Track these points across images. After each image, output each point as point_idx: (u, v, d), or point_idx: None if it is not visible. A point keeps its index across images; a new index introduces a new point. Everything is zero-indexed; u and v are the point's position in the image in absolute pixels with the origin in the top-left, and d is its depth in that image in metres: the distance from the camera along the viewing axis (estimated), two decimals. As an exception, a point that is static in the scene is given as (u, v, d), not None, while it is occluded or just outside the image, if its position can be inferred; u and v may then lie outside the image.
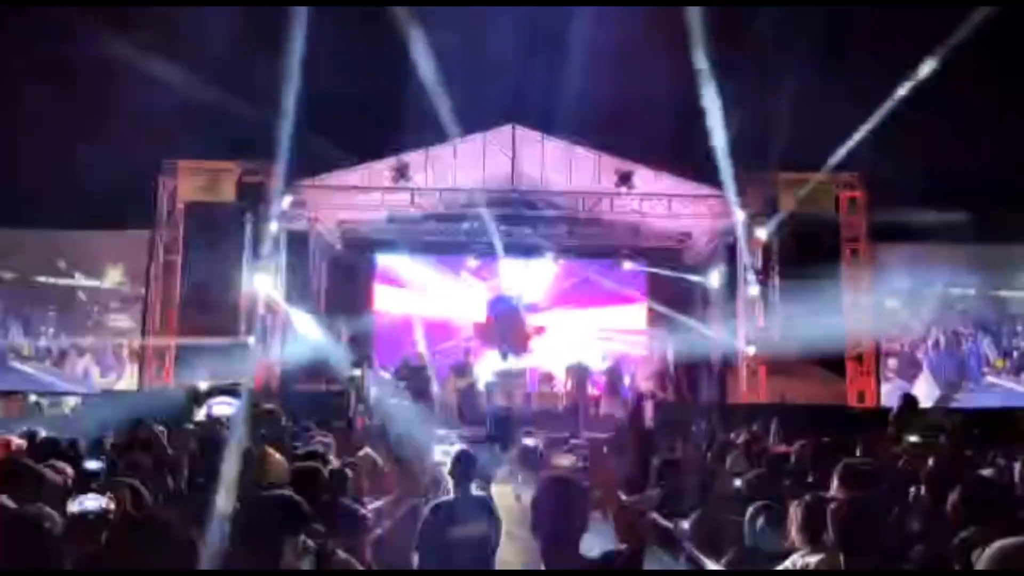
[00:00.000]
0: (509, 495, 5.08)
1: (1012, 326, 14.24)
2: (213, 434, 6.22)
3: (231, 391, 10.42)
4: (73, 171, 13.16)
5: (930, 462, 4.72)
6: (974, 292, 14.13)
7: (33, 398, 14.01)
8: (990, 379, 14.06)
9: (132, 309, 14.07)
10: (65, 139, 13.65)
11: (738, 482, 5.24)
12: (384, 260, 17.64)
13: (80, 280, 14.07)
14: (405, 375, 15.24)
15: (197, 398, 10.03)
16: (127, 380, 13.72)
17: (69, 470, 4.44)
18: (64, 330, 13.99)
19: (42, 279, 14.07)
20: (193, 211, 14.03)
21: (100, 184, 12.85)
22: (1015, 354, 14.20)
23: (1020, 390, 14.02)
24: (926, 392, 13.46)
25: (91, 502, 3.30)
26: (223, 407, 9.03)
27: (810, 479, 5.00)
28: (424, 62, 11.72)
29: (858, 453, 6.01)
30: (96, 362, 13.93)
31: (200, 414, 9.24)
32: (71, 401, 13.65)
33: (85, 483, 4.10)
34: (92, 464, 4.98)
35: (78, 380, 13.86)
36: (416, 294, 17.74)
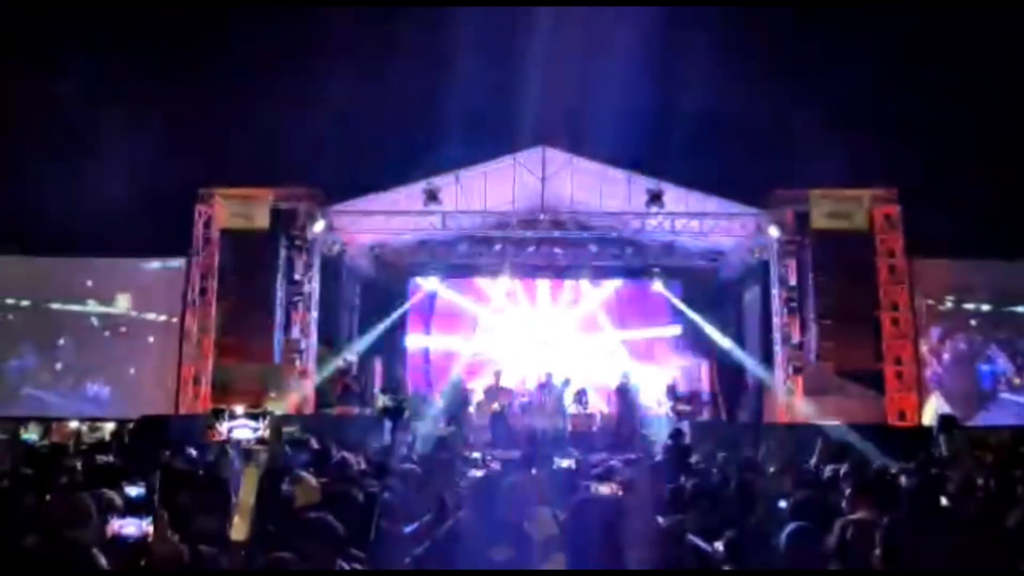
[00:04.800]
0: (547, 517, 5.01)
1: None
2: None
3: (255, 415, 10.48)
4: (105, 198, 13.39)
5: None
6: (989, 308, 13.91)
7: (74, 424, 14.20)
8: (1006, 396, 13.74)
9: (159, 335, 14.27)
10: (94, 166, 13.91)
11: (782, 503, 5.14)
12: (417, 283, 17.70)
13: (97, 307, 14.31)
14: (440, 398, 15.30)
15: (218, 419, 10.07)
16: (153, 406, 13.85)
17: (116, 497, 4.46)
18: (79, 356, 14.21)
19: (57, 306, 14.32)
20: (228, 238, 14.18)
21: (135, 212, 13.06)
22: None
23: None
24: (935, 412, 13.23)
25: (130, 527, 3.32)
26: (244, 431, 9.07)
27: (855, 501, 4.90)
28: (454, 85, 11.82)
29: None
30: (109, 386, 14.13)
31: (219, 436, 9.28)
32: (109, 426, 13.79)
33: (127, 508, 4.12)
34: (133, 490, 4.98)
35: (93, 404, 14.05)
36: (450, 318, 17.78)
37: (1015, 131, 13.55)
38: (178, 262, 14.23)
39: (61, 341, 14.23)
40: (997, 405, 13.74)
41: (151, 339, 14.30)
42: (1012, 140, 13.60)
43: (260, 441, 5.33)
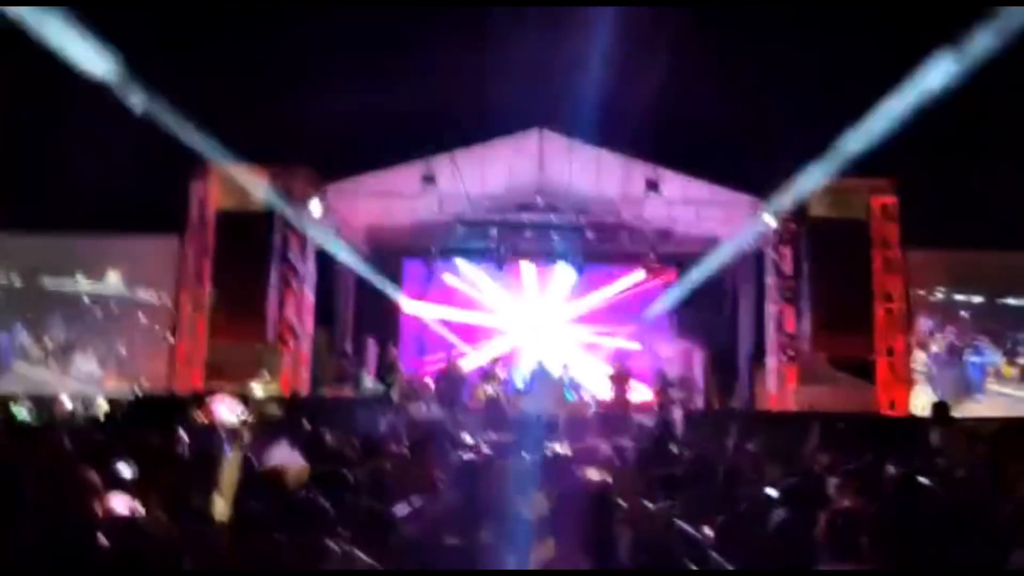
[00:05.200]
0: (540, 502, 5.03)
1: (1020, 333, 14.03)
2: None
3: (240, 397, 10.49)
4: (98, 174, 13.32)
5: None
6: (982, 299, 13.98)
7: (67, 401, 14.21)
8: (995, 388, 13.83)
9: (151, 313, 14.29)
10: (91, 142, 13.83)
11: (772, 491, 5.16)
12: (412, 266, 17.68)
13: (93, 285, 14.33)
14: (436, 381, 15.32)
15: (203, 401, 10.06)
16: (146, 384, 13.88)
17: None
18: (71, 333, 14.31)
19: (49, 282, 14.34)
20: (223, 216, 14.14)
21: (127, 189, 12.99)
22: (1022, 361, 13.98)
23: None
24: (923, 403, 13.28)
25: (120, 505, 3.33)
26: (229, 412, 9.08)
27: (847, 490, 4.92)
28: (452, 67, 11.75)
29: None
30: (100, 365, 14.15)
31: (201, 418, 9.29)
32: (103, 404, 13.80)
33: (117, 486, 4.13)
34: (124, 469, 4.97)
35: (83, 381, 14.10)
36: (445, 301, 17.78)
37: (1012, 122, 13.53)
38: (172, 240, 14.22)
39: (52, 318, 14.25)
40: (986, 397, 13.84)
41: (143, 317, 14.32)
42: (1010, 132, 13.59)
43: (245, 423, 5.34)
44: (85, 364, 14.24)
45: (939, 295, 14.02)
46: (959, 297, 14.06)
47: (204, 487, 3.58)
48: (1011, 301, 14.08)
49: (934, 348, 14.05)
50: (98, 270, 14.47)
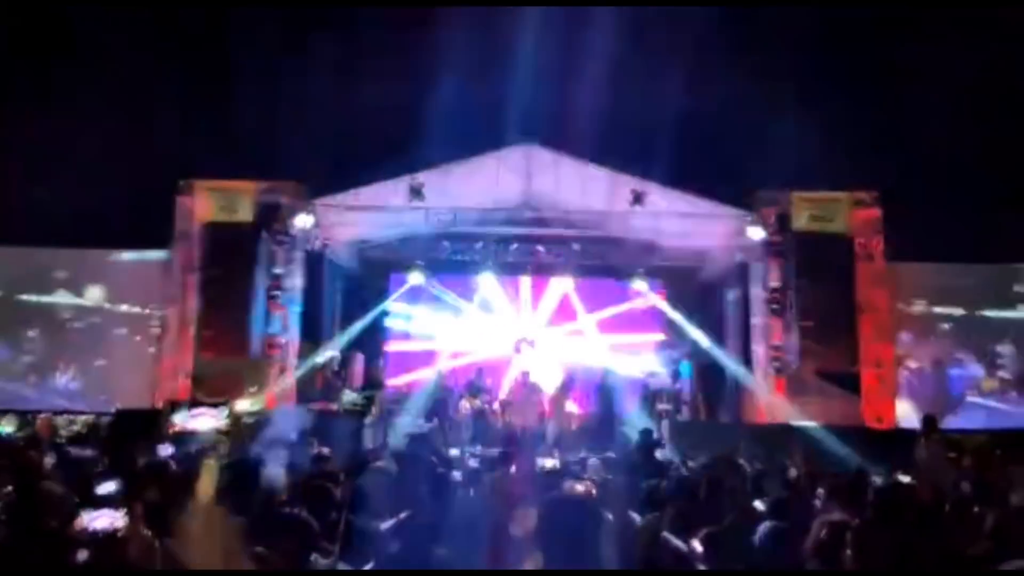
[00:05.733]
0: (527, 517, 5.01)
1: (999, 346, 14.12)
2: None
3: (215, 406, 10.44)
4: (84, 189, 13.29)
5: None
6: (961, 312, 14.09)
7: (51, 416, 14.07)
8: (976, 400, 13.91)
9: (133, 327, 14.25)
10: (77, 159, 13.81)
11: (758, 503, 5.18)
12: (399, 279, 17.65)
13: (69, 298, 14.27)
14: (421, 395, 15.30)
15: (175, 411, 10.00)
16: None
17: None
18: (49, 347, 14.21)
19: (26, 297, 14.28)
20: (209, 231, 14.08)
21: (114, 203, 12.96)
22: (1003, 375, 14.07)
23: (1005, 409, 13.88)
24: (904, 416, 13.39)
25: (102, 521, 3.29)
26: (202, 422, 9.05)
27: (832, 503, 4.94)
28: (439, 80, 11.79)
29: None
30: (79, 379, 14.08)
31: (176, 427, 9.24)
32: (86, 419, 13.70)
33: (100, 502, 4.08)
34: (107, 485, 4.90)
35: (63, 396, 14.01)
36: (432, 314, 17.75)
37: (995, 135, 13.69)
38: (156, 254, 14.16)
39: (31, 333, 14.16)
40: (966, 409, 13.92)
41: (124, 332, 14.26)
42: (993, 144, 13.74)
43: (221, 432, 5.29)
44: (64, 379, 14.14)
45: (918, 308, 14.13)
46: (938, 310, 14.18)
47: (184, 500, 3.56)
48: (989, 313, 14.19)
49: (914, 362, 14.13)
50: (78, 284, 14.39)
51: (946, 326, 14.22)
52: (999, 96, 13.87)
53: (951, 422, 13.40)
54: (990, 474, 6.36)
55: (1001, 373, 14.11)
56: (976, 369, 14.09)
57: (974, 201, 13.48)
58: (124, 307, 14.28)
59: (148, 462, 6.18)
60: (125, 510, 3.48)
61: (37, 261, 14.48)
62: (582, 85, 13.41)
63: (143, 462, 6.19)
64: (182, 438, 8.55)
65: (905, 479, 6.08)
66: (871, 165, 13.88)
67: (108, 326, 14.32)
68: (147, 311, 14.24)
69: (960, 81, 13.39)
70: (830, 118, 13.49)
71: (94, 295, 14.30)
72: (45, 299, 14.29)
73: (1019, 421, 13.65)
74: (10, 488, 4.58)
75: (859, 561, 3.24)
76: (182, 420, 9.38)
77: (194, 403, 10.95)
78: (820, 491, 5.65)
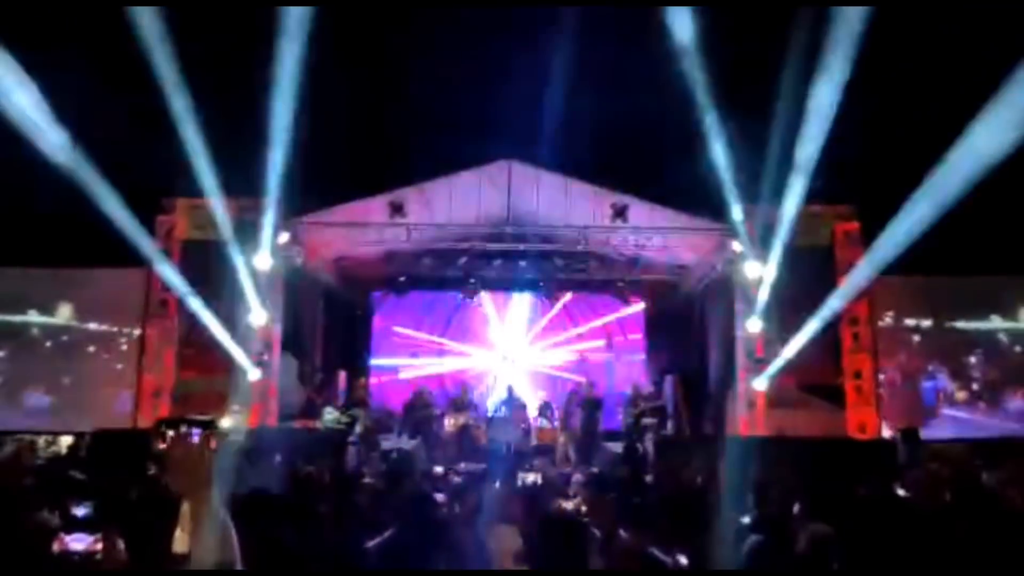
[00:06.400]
0: (511, 535, 4.98)
1: (971, 357, 14.26)
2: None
3: (198, 423, 10.36)
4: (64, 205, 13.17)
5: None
6: (930, 324, 14.23)
7: (29, 437, 13.90)
8: (947, 412, 14.02)
9: (109, 347, 14.14)
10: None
11: (744, 517, 5.17)
12: (380, 296, 17.62)
13: (39, 317, 14.16)
14: (405, 412, 15.26)
15: (159, 429, 9.92)
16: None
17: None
18: (19, 367, 14.11)
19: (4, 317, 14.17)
20: (189, 249, 14.00)
21: (93, 221, 12.84)
22: (974, 386, 14.20)
23: (977, 419, 14.00)
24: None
25: (78, 543, 3.24)
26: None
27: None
28: (420, 98, 11.80)
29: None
30: (49, 398, 13.95)
31: (164, 445, 9.17)
32: (65, 439, 13.52)
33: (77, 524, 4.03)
34: (82, 508, 4.83)
35: (34, 416, 13.89)
36: (414, 329, 17.72)
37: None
38: (134, 272, 14.04)
39: (1, 352, 14.05)
40: (939, 421, 14.03)
41: (101, 351, 14.14)
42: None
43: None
44: (35, 399, 13.99)
45: (889, 320, 14.26)
46: (909, 322, 14.31)
47: (166, 520, 3.51)
48: (960, 325, 14.33)
49: (885, 374, 14.24)
50: (52, 303, 14.26)
51: (916, 338, 14.35)
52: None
53: (925, 433, 13.52)
54: (969, 484, 6.40)
55: (972, 385, 14.24)
56: (947, 381, 14.21)
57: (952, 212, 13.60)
58: (97, 325, 14.17)
59: (129, 482, 6.08)
60: (99, 533, 3.43)
61: (9, 280, 14.30)
62: (563, 101, 13.47)
63: (122, 482, 6.10)
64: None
65: (894, 489, 6.09)
66: (850, 178, 14.02)
67: (81, 345, 14.18)
68: (121, 330, 14.13)
69: (938, 93, 13.55)
70: (810, 131, 13.60)
71: (67, 314, 14.18)
72: (17, 318, 14.14)
73: (989, 431, 13.77)
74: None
75: (845, 572, 3.24)
76: (168, 437, 9.32)
77: (182, 421, 10.86)
78: (804, 503, 5.64)
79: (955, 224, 13.24)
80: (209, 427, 9.74)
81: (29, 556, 2.92)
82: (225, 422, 12.43)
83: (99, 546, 3.24)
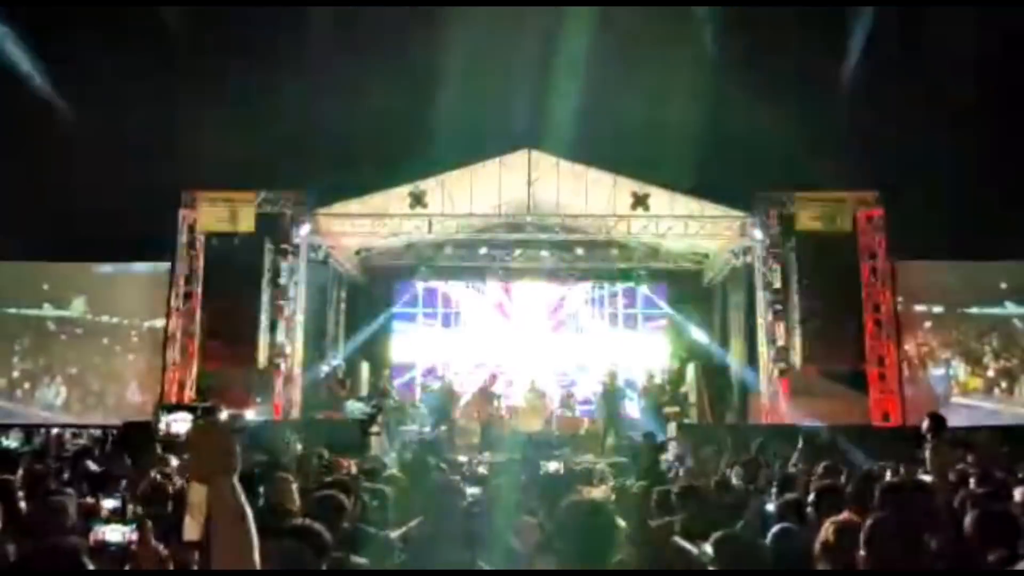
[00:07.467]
0: (534, 525, 5.00)
1: (986, 345, 14.04)
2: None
3: (193, 408, 10.44)
4: (87, 200, 13.28)
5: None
6: (942, 310, 14.00)
7: (56, 430, 14.08)
8: (959, 400, 13.78)
9: (134, 340, 14.22)
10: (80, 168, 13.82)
11: (769, 505, 5.17)
12: (403, 286, 17.66)
13: (54, 311, 14.23)
14: (428, 402, 15.34)
15: (158, 414, 10.02)
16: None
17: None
18: (38, 360, 14.15)
19: (15, 310, 14.24)
20: (212, 242, 14.10)
21: (116, 215, 12.96)
22: (988, 373, 13.97)
23: (989, 408, 13.76)
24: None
25: (114, 534, 3.30)
26: (181, 424, 9.06)
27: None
28: (440, 88, 11.80)
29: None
30: (70, 392, 14.03)
31: (160, 430, 9.27)
32: (92, 432, 13.70)
33: (110, 515, 4.10)
34: (112, 500, 4.89)
35: (60, 410, 13.97)
36: (436, 319, 17.76)
37: (991, 132, 13.71)
38: (159, 266, 14.14)
39: (17, 346, 14.14)
40: (949, 409, 13.82)
41: (120, 344, 14.22)
42: (989, 142, 13.75)
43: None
44: (52, 393, 14.07)
45: (899, 306, 13.99)
46: (920, 308, 14.09)
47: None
48: (973, 311, 14.10)
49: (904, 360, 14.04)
50: (69, 297, 14.30)
51: (928, 324, 14.11)
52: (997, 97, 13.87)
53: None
54: (995, 470, 6.35)
55: (985, 372, 14.00)
56: (959, 368, 13.97)
57: (970, 200, 13.47)
58: (119, 319, 14.22)
59: (156, 474, 6.16)
60: (134, 524, 3.48)
61: (28, 274, 14.39)
62: (584, 90, 13.44)
63: (150, 474, 6.18)
64: (171, 441, 8.58)
65: (919, 476, 6.06)
66: (872, 164, 13.90)
67: (101, 338, 14.21)
68: (143, 323, 14.19)
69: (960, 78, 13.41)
70: (831, 119, 13.52)
71: (78, 307, 14.25)
72: (33, 312, 14.22)
73: (1004, 419, 13.51)
74: (22, 502, 4.58)
75: (871, 561, 3.23)
76: (165, 424, 9.45)
77: (176, 406, 10.97)
78: (826, 491, 5.62)
79: (972, 210, 13.14)
80: (210, 413, 9.82)
81: (62, 548, 2.97)
82: (249, 414, 12.55)
83: (134, 536, 3.29)
